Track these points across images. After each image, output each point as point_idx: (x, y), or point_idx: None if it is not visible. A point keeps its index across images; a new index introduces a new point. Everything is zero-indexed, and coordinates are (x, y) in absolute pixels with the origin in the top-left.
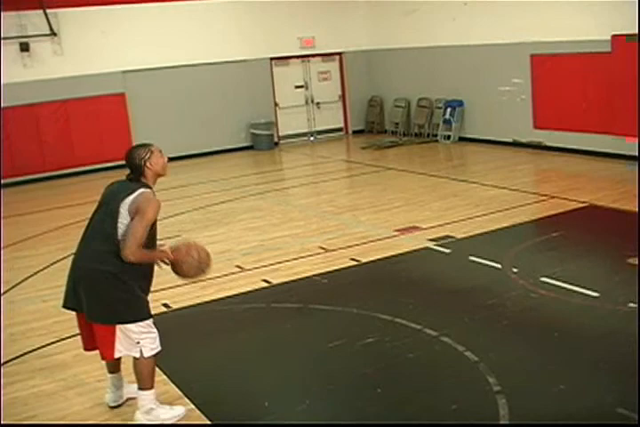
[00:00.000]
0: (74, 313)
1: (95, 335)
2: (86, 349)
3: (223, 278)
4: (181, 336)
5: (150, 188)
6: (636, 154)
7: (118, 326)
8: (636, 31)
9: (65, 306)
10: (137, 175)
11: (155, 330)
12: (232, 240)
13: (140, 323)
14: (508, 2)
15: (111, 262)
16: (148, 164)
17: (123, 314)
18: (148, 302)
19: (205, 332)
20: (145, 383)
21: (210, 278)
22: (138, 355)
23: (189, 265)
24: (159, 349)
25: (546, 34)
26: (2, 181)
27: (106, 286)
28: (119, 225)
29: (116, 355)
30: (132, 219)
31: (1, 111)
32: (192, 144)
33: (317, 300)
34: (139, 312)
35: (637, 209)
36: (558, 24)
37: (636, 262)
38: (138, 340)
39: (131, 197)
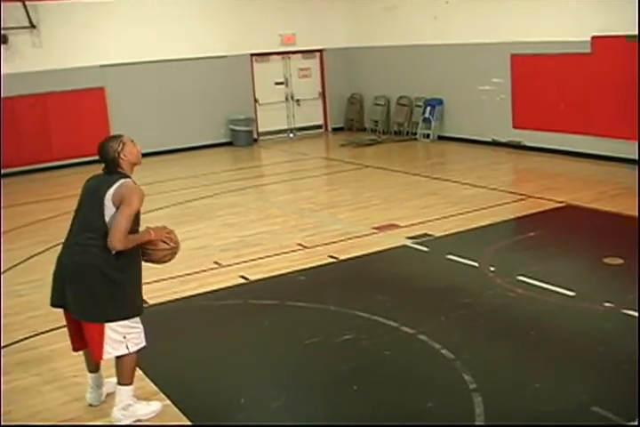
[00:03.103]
0: (53, 309)
1: (85, 335)
2: (74, 349)
3: (201, 274)
4: (158, 332)
5: (129, 177)
6: (612, 155)
7: (106, 324)
8: (620, 33)
9: (52, 304)
10: (113, 167)
11: (141, 325)
12: (210, 236)
13: (128, 320)
14: (489, 1)
15: (97, 256)
16: (122, 155)
17: (110, 312)
18: (137, 298)
19: (182, 328)
20: (125, 379)
21: (188, 274)
22: (125, 351)
23: (164, 249)
24: (144, 344)
25: (526, 34)
26: None
27: (92, 282)
28: (105, 218)
29: (105, 356)
30: (117, 209)
31: (1, 102)
32: (171, 139)
33: (295, 297)
34: (125, 310)
35: (637, 212)
36: (539, 24)
37: (614, 262)
38: (124, 334)
39: (113, 188)
